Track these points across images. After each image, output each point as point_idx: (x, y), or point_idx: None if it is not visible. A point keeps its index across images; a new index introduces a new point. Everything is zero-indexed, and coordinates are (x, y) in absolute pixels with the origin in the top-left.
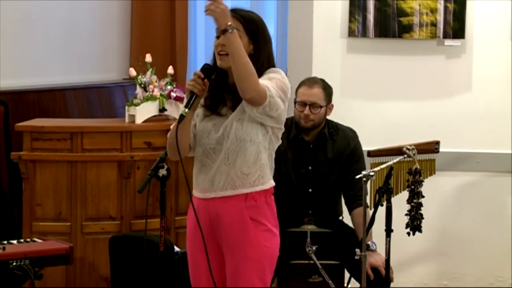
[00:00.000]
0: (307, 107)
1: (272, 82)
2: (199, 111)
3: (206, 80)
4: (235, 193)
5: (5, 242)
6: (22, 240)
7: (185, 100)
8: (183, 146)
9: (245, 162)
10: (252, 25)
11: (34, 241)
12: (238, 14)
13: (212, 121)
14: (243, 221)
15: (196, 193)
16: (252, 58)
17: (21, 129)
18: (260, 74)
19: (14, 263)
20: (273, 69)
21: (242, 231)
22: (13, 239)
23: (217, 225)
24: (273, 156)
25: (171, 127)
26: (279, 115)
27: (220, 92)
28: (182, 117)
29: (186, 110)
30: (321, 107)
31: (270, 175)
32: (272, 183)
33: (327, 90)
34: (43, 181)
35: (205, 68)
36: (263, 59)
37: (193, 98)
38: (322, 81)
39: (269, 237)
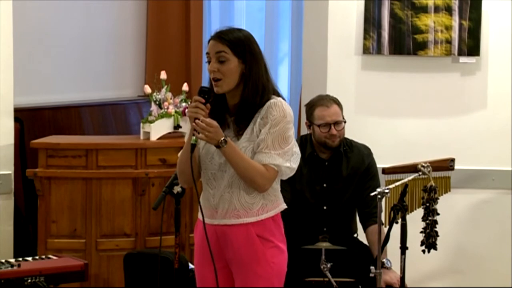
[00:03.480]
0: (332, 127)
1: (282, 147)
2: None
3: (208, 104)
4: (239, 222)
5: (20, 259)
6: (37, 257)
7: (189, 128)
8: (196, 173)
9: (248, 191)
10: (239, 46)
11: (49, 258)
12: (223, 38)
13: (212, 147)
14: (251, 239)
15: (200, 216)
16: (246, 76)
17: (37, 146)
18: (257, 89)
19: (29, 280)
20: (273, 107)
21: (250, 249)
22: (28, 256)
23: (225, 243)
24: (287, 175)
25: (179, 154)
26: (293, 163)
27: (221, 114)
28: (193, 146)
29: (194, 138)
30: (344, 122)
31: (277, 200)
32: (280, 209)
33: (340, 105)
34: (58, 198)
35: (203, 91)
36: (256, 74)
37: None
38: (332, 97)
39: (276, 254)
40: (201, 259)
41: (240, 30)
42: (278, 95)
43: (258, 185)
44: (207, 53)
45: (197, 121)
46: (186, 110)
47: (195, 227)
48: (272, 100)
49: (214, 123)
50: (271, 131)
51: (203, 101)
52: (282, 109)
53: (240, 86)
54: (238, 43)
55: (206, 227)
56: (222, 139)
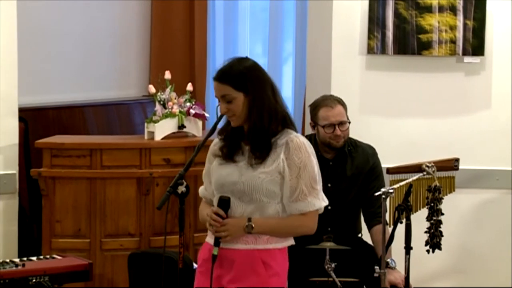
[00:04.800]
0: (337, 127)
1: (314, 187)
2: (214, 161)
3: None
4: (246, 248)
5: (25, 258)
6: (41, 257)
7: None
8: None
9: None
10: (240, 81)
11: (54, 257)
12: (224, 78)
13: (226, 169)
14: (255, 265)
15: (208, 239)
16: (250, 105)
17: (41, 146)
18: (263, 114)
19: (34, 280)
20: (297, 149)
21: (253, 273)
22: (33, 255)
23: (229, 267)
24: None
25: (200, 209)
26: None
27: (237, 140)
28: (214, 257)
29: (217, 249)
30: (348, 123)
31: None
32: (288, 243)
33: (345, 105)
34: (62, 197)
35: (223, 202)
36: (261, 99)
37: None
38: (336, 97)
39: (275, 282)
40: (201, 280)
41: (240, 61)
42: (291, 123)
43: (304, 234)
44: (216, 96)
45: (216, 233)
46: (191, 109)
47: (201, 247)
48: (292, 137)
49: (226, 220)
50: (302, 175)
51: (225, 216)
52: (305, 149)
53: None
54: (239, 79)
55: (208, 247)
56: (245, 226)
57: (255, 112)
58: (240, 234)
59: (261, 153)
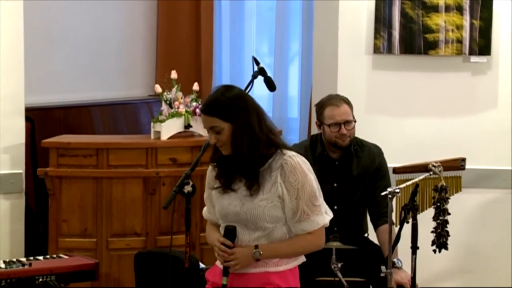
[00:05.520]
0: (342, 126)
1: (315, 204)
2: (214, 191)
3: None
4: (257, 272)
5: (32, 258)
6: (48, 256)
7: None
8: None
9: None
10: (226, 112)
11: (60, 257)
12: (211, 111)
13: (226, 199)
14: (266, 285)
15: (218, 263)
16: (234, 136)
17: (48, 145)
18: (242, 141)
19: (40, 279)
20: (292, 171)
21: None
22: (39, 255)
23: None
24: None
25: (207, 233)
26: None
27: (232, 169)
28: (224, 286)
29: (226, 278)
30: (354, 122)
31: None
32: (299, 262)
33: (350, 104)
34: (69, 197)
35: (229, 231)
36: (244, 127)
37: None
38: (342, 96)
39: None
40: None
41: (225, 92)
42: (284, 145)
43: (313, 251)
44: (204, 128)
45: (225, 263)
46: (197, 109)
47: (210, 269)
48: (285, 159)
49: (234, 250)
50: (301, 196)
51: (232, 245)
52: (300, 169)
53: None
54: (225, 110)
55: (218, 271)
56: (253, 254)
57: (236, 140)
58: (248, 262)
59: (251, 181)
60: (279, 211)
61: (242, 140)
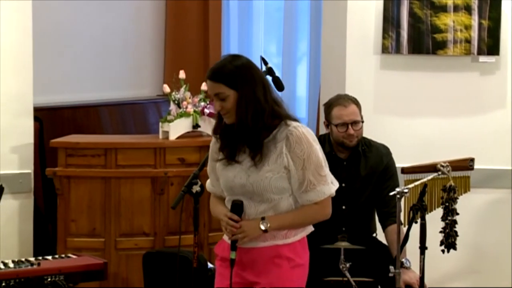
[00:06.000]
0: (350, 126)
1: (321, 174)
2: (218, 164)
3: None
4: (265, 245)
5: (40, 257)
6: (56, 256)
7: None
8: None
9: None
10: (232, 79)
11: (69, 257)
12: (217, 77)
13: (231, 171)
14: (275, 260)
15: (225, 237)
16: (238, 104)
17: (56, 145)
18: (247, 111)
19: (49, 279)
20: (298, 141)
21: (274, 269)
22: (48, 255)
23: (249, 264)
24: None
25: (211, 205)
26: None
27: (235, 140)
28: (232, 261)
29: (234, 253)
30: (362, 122)
31: None
32: (307, 232)
33: (359, 104)
34: (77, 197)
35: (236, 206)
36: (249, 97)
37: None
38: (351, 96)
39: (298, 272)
40: (221, 278)
41: (231, 61)
42: (288, 116)
43: (320, 221)
44: (209, 95)
45: (233, 236)
46: (205, 109)
47: (218, 243)
48: (291, 129)
49: (241, 223)
50: (307, 166)
51: (239, 219)
52: (306, 139)
53: None
54: (231, 77)
55: (227, 245)
56: (261, 226)
57: (241, 109)
58: (256, 234)
59: (255, 152)
60: (285, 182)
61: (247, 109)
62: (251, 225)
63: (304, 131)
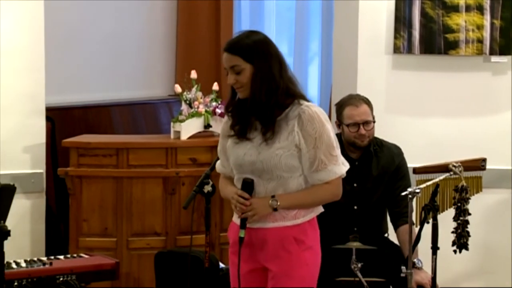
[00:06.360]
0: (361, 127)
1: (332, 154)
2: (229, 141)
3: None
4: (275, 226)
5: (52, 257)
6: (68, 256)
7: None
8: None
9: None
10: (249, 52)
11: (81, 256)
12: (233, 50)
13: (242, 148)
14: (286, 242)
15: (235, 219)
16: (253, 79)
17: (68, 145)
18: (262, 86)
19: (61, 279)
20: (310, 120)
21: (285, 251)
22: (60, 254)
23: (260, 246)
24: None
25: (221, 186)
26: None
27: (247, 117)
28: (241, 239)
29: (243, 231)
30: (373, 122)
31: None
32: (316, 212)
33: (370, 104)
34: (89, 196)
35: (247, 184)
36: (264, 72)
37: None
38: (363, 96)
39: (310, 255)
40: (234, 259)
41: (251, 34)
42: (302, 96)
43: (330, 201)
44: (224, 68)
45: (243, 214)
46: (217, 109)
47: (229, 227)
48: (303, 108)
49: (251, 200)
50: (318, 145)
51: (249, 196)
52: (318, 118)
53: None
54: (248, 50)
55: (237, 228)
56: (271, 203)
57: (256, 84)
58: (266, 212)
59: (267, 128)
60: (295, 161)
61: (262, 84)
62: (261, 202)
63: (316, 110)
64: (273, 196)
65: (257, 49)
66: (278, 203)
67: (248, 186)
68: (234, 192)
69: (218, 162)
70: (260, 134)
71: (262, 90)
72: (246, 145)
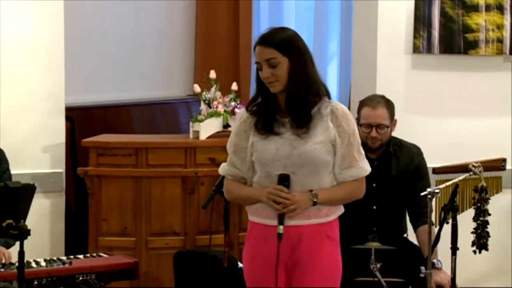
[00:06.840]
0: (374, 129)
1: (361, 152)
2: (252, 138)
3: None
4: (310, 223)
5: (72, 256)
6: (88, 255)
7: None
8: None
9: None
10: (285, 45)
11: (100, 256)
12: (269, 43)
13: (273, 143)
14: (320, 239)
15: (259, 219)
16: (290, 70)
17: (87, 144)
18: (301, 81)
19: (81, 278)
20: (345, 116)
21: (319, 248)
22: (80, 253)
23: (291, 244)
24: None
25: (230, 189)
26: None
27: (271, 113)
28: (280, 235)
29: (282, 227)
30: (387, 127)
31: None
32: (341, 211)
33: (390, 108)
34: (108, 196)
35: (284, 179)
36: (300, 67)
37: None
38: (384, 98)
39: (339, 253)
40: (256, 262)
41: (282, 30)
42: (328, 93)
43: (357, 198)
44: (257, 62)
45: (284, 209)
46: (236, 109)
47: (248, 233)
48: (335, 105)
49: (292, 195)
50: (352, 142)
51: (287, 190)
52: (350, 116)
53: None
54: (284, 43)
55: (270, 229)
56: (310, 198)
57: (294, 78)
58: (307, 206)
59: (303, 123)
60: (330, 157)
61: (300, 78)
62: (301, 196)
63: (347, 110)
64: (311, 191)
65: (292, 43)
66: (318, 198)
67: (285, 181)
68: (273, 187)
69: (225, 166)
70: (290, 130)
71: (301, 84)
72: (277, 140)
